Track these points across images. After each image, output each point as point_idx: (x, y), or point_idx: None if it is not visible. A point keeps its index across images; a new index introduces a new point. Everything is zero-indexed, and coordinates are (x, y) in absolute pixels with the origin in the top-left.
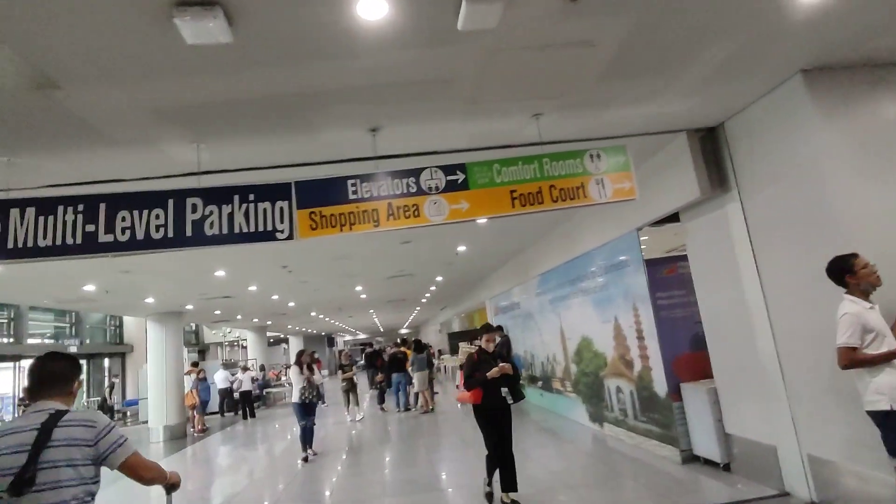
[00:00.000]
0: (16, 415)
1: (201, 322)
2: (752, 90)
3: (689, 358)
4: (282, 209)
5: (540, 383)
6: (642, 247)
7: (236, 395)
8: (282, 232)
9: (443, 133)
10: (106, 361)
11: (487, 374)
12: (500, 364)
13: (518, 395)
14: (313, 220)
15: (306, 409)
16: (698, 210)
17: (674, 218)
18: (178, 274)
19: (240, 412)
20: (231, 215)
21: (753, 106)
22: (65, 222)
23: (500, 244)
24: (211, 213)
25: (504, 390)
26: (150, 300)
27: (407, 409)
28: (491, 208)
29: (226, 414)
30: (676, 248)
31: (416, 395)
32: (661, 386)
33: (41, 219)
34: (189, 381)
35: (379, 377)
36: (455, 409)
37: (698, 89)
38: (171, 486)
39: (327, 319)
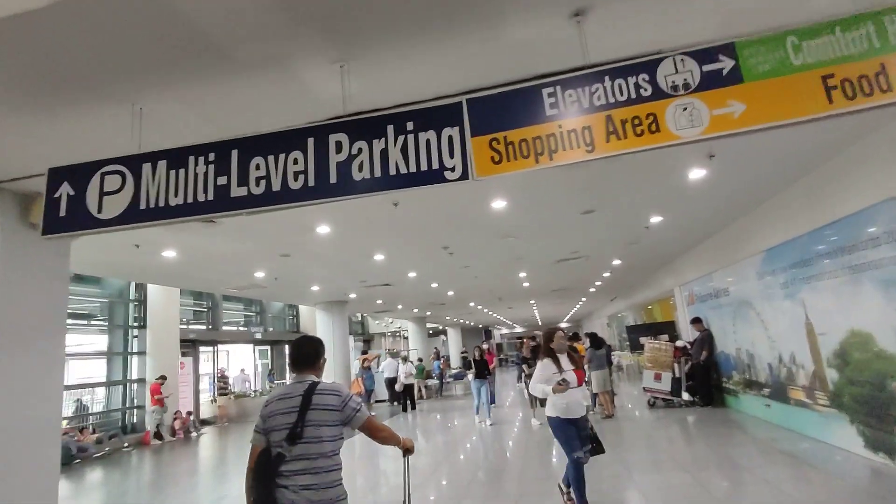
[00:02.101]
0: (215, 392)
1: (365, 312)
2: None
3: None
4: (451, 138)
5: (765, 391)
6: None
7: (398, 386)
8: (452, 170)
9: (687, 9)
10: (286, 348)
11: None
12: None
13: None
14: (495, 149)
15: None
16: None
17: None
18: (336, 257)
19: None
20: (384, 152)
21: None
22: (195, 175)
23: (708, 211)
24: (359, 151)
25: None
26: (315, 288)
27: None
28: (787, 108)
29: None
30: None
31: (594, 396)
32: None
33: (172, 173)
34: (355, 370)
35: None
36: (642, 415)
37: None
38: (407, 451)
39: (486, 311)
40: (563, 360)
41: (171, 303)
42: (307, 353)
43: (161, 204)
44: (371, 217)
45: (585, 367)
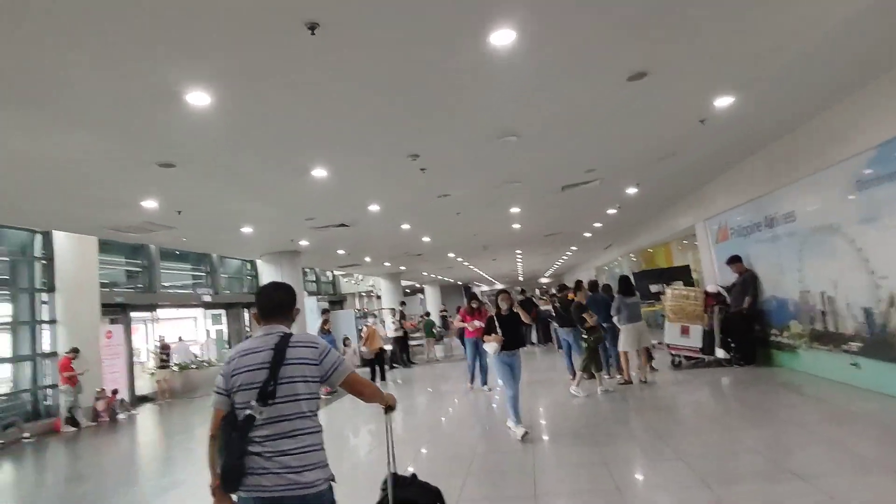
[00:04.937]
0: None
1: (327, 267)
2: None
3: None
4: None
5: (853, 345)
6: None
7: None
8: None
9: None
10: (245, 312)
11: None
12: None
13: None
14: None
15: None
16: None
17: None
18: (257, 176)
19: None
20: None
21: None
22: None
23: (804, 89)
24: None
25: None
26: (246, 229)
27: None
28: None
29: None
30: None
31: (613, 358)
32: None
33: None
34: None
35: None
36: (668, 380)
37: None
38: (389, 408)
39: (466, 264)
40: None
41: (86, 260)
42: (278, 301)
43: None
44: (291, 80)
45: (614, 317)
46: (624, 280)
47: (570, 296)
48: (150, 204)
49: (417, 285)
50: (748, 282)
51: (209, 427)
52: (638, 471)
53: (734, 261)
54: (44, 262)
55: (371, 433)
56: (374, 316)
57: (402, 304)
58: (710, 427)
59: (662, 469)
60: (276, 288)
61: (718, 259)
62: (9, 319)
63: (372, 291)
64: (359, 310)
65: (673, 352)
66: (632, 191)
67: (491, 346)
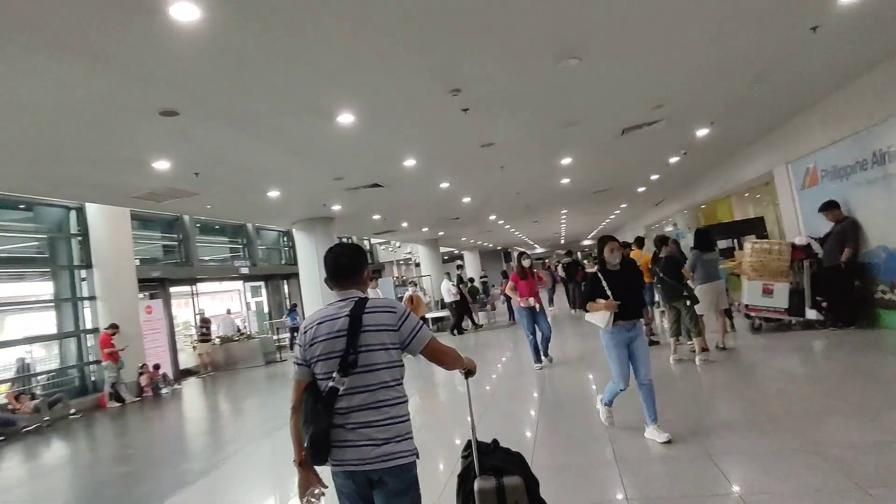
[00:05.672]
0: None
1: (362, 235)
2: None
3: None
4: None
5: None
6: None
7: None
8: None
9: None
10: (285, 284)
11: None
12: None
13: None
14: None
15: None
16: None
17: None
18: (273, 125)
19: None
20: None
21: None
22: None
23: None
24: None
25: None
26: (273, 193)
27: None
28: None
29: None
30: None
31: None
32: None
33: None
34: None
35: None
36: (755, 347)
37: None
38: (469, 372)
39: (507, 227)
40: None
41: (120, 235)
42: (344, 265)
43: None
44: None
45: (689, 279)
46: (702, 233)
47: (635, 254)
48: (161, 164)
49: (456, 251)
50: (847, 231)
51: (291, 399)
52: (773, 469)
53: (830, 207)
54: (79, 238)
55: (434, 397)
56: (414, 284)
57: (460, 266)
58: (836, 407)
59: (798, 468)
60: (342, 251)
61: (804, 207)
62: (51, 297)
63: (410, 259)
64: (397, 278)
65: (752, 314)
66: (703, 132)
67: (599, 317)
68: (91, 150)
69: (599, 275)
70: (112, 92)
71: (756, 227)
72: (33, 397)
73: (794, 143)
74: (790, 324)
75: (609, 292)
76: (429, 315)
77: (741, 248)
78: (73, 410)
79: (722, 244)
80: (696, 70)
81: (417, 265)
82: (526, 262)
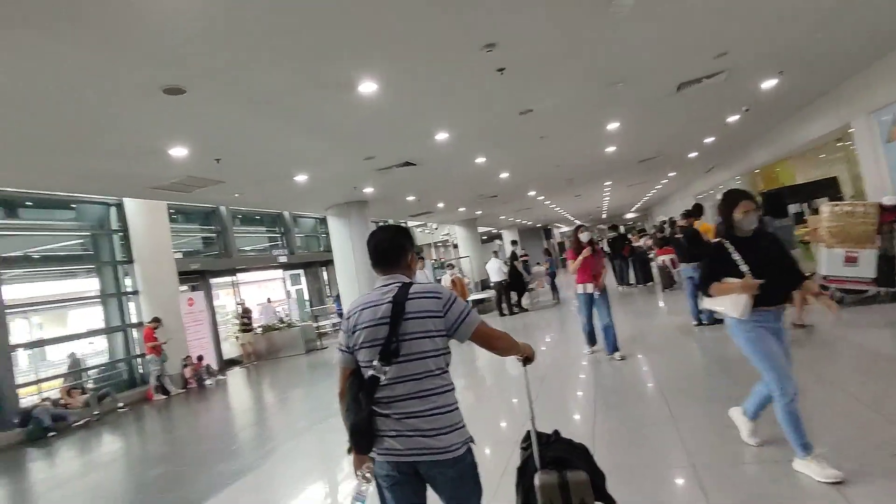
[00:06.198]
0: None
1: (397, 218)
2: None
3: None
4: None
5: None
6: None
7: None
8: None
9: None
10: (324, 271)
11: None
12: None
13: None
14: None
15: None
16: None
17: None
18: (289, 100)
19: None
20: None
21: None
22: None
23: None
24: None
25: None
26: (300, 177)
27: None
28: None
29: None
30: None
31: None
32: None
33: None
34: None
35: None
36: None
37: None
38: (527, 359)
39: (547, 202)
40: None
41: (158, 229)
42: (385, 249)
43: None
44: None
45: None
46: (773, 197)
47: (701, 224)
48: (178, 151)
49: (494, 230)
50: None
51: (337, 386)
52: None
53: None
54: (120, 234)
55: (488, 386)
56: (452, 267)
57: (514, 242)
58: None
59: None
60: (385, 234)
61: (890, 162)
62: (95, 293)
63: (448, 240)
64: (436, 259)
65: (833, 285)
66: (769, 84)
67: (729, 302)
68: (99, 140)
69: (726, 244)
70: (104, 67)
71: (828, 188)
72: (83, 392)
73: (876, 91)
74: (877, 295)
75: (746, 268)
76: (471, 297)
77: (814, 212)
78: (120, 404)
79: (792, 209)
80: (765, 8)
81: (455, 246)
82: (584, 237)
